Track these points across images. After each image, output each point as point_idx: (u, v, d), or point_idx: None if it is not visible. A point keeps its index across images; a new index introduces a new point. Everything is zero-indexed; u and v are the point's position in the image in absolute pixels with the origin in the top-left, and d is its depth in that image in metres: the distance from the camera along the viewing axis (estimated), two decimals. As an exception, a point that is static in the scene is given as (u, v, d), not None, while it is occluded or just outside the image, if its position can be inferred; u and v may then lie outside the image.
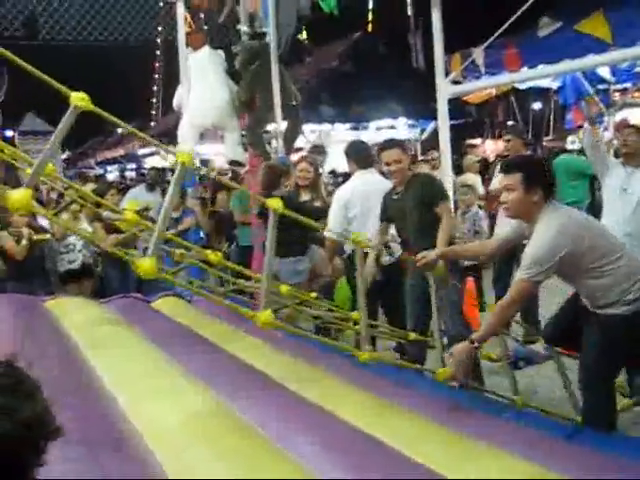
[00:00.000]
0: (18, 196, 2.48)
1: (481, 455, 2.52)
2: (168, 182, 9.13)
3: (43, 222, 6.95)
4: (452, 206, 5.43)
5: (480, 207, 8.07)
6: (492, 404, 3.31)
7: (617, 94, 11.10)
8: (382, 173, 5.31)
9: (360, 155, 5.57)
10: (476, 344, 3.28)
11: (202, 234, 8.04)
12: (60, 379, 2.97)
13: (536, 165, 3.54)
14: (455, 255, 4.15)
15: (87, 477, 2.11)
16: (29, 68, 2.63)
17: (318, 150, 8.05)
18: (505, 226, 5.93)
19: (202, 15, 9.94)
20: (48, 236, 6.70)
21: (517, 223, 3.59)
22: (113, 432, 2.50)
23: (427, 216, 4.56)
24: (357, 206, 5.27)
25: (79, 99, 2.58)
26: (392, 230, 5.23)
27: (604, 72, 9.94)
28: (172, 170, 10.26)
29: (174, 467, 2.18)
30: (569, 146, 10.94)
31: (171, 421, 2.55)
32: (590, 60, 6.20)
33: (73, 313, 4.72)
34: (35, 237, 6.55)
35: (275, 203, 3.29)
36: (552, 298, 5.76)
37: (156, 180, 8.87)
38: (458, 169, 9.05)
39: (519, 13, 6.04)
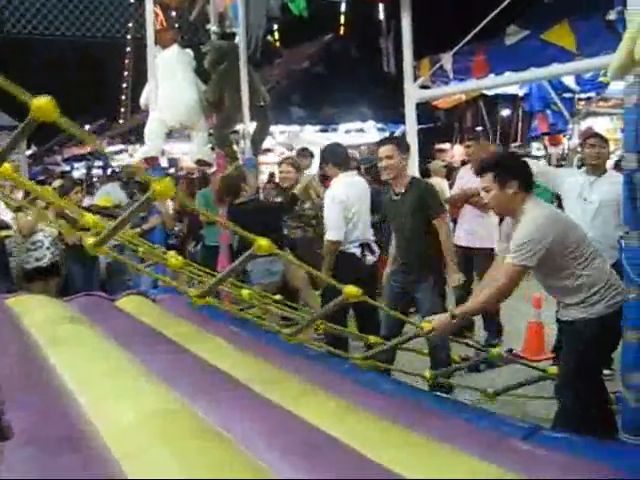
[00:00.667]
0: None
1: (442, 457, 2.54)
2: (138, 181, 9.08)
3: (6, 217, 6.85)
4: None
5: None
6: (453, 405, 3.33)
7: (582, 103, 11.30)
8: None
9: (341, 158, 5.58)
10: (456, 319, 3.36)
11: (172, 232, 8.00)
12: (19, 377, 2.93)
13: (506, 160, 3.64)
14: (476, 311, 3.85)
15: (45, 477, 2.08)
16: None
17: (304, 154, 8.05)
18: (466, 224, 6.14)
19: (173, 13, 9.89)
20: (11, 232, 6.60)
21: (505, 232, 3.70)
22: (72, 431, 2.46)
23: (421, 223, 4.64)
24: (355, 206, 5.32)
25: (40, 108, 2.17)
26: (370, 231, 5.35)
27: (569, 81, 10.10)
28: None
29: (133, 467, 2.16)
30: (534, 152, 11.11)
31: (131, 421, 2.53)
32: (555, 69, 6.30)
33: (34, 311, 4.64)
34: (2, 233, 6.46)
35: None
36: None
37: (130, 178, 8.84)
38: (425, 173, 9.12)
39: (487, 20, 6.11)
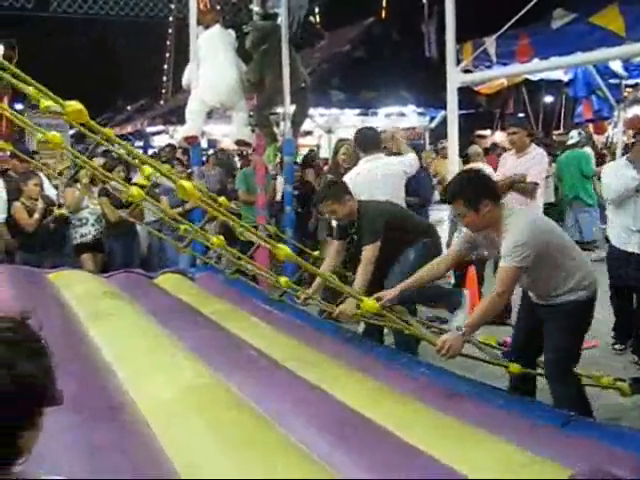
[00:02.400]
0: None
1: (475, 441, 2.54)
2: (178, 159, 9.18)
3: (50, 193, 6.98)
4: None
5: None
6: (487, 392, 3.32)
7: (629, 89, 11.00)
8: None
9: (366, 140, 5.53)
10: (466, 335, 3.35)
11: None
12: (59, 349, 2.99)
13: (472, 183, 3.59)
14: (413, 286, 3.96)
15: (82, 445, 2.14)
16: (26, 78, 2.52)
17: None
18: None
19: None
20: (66, 211, 6.73)
21: (466, 235, 3.73)
22: (111, 402, 2.52)
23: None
24: (364, 193, 5.20)
25: (72, 113, 2.41)
26: None
27: (616, 66, 9.83)
28: (180, 148, 10.29)
29: (168, 437, 2.20)
30: (570, 141, 10.88)
31: (166, 394, 2.57)
32: (602, 53, 6.14)
33: (75, 285, 4.74)
34: (58, 212, 6.60)
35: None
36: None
37: (170, 157, 8.94)
38: (465, 159, 9.02)
39: (532, 3, 6.00)
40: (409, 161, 5.57)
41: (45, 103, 3.01)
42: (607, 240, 5.50)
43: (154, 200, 5.28)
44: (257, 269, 5.11)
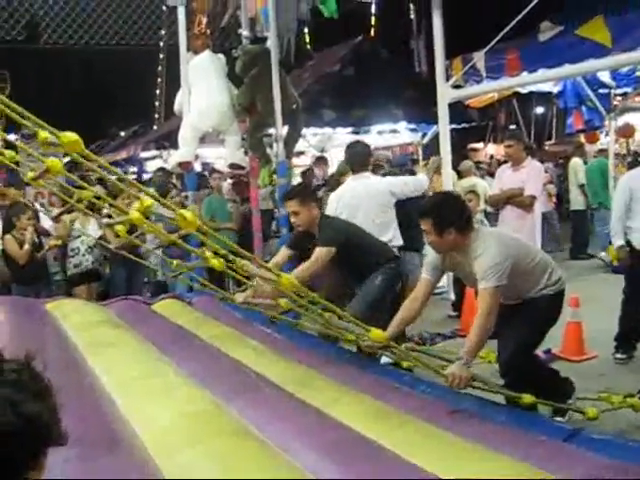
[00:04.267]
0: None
1: (479, 459, 2.52)
2: (173, 184, 9.19)
3: (46, 224, 6.98)
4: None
5: (486, 213, 8.04)
6: (487, 407, 3.30)
7: (618, 98, 11.09)
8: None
9: (353, 160, 5.52)
10: (468, 362, 3.37)
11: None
12: (59, 379, 2.97)
13: (447, 207, 3.64)
14: (400, 330, 3.98)
15: (84, 477, 2.12)
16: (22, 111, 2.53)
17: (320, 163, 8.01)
18: (507, 226, 5.97)
19: (205, 19, 9.97)
20: (60, 242, 6.73)
21: (431, 263, 3.82)
22: (111, 433, 2.50)
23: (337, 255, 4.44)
24: (347, 210, 5.23)
25: (68, 144, 2.43)
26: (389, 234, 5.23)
27: (605, 76, 9.92)
28: (173, 173, 10.29)
29: (170, 467, 2.18)
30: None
31: (167, 422, 2.56)
32: (590, 65, 6.22)
33: (73, 314, 4.73)
34: (51, 243, 6.60)
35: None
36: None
37: (163, 181, 8.93)
38: (458, 174, 9.06)
39: (520, 17, 6.06)
40: (403, 181, 5.55)
41: (43, 135, 3.03)
42: (628, 245, 5.45)
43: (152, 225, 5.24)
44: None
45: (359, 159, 5.48)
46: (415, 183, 5.56)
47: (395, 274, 4.72)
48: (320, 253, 4.33)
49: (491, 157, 15.40)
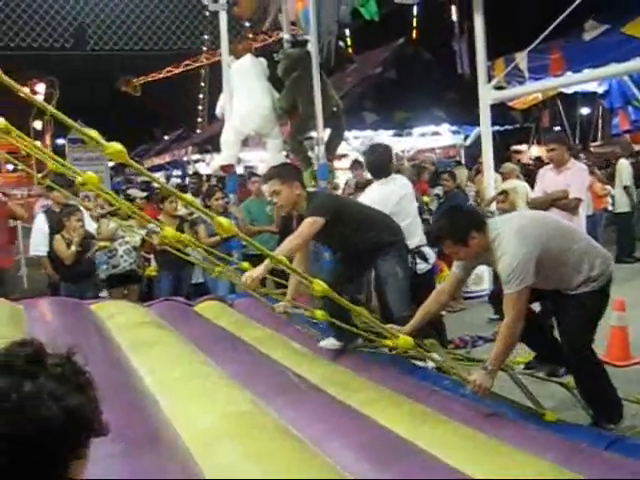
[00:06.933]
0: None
1: (518, 463, 2.50)
2: (217, 186, 9.31)
3: (90, 228, 7.13)
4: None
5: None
6: (526, 412, 3.27)
7: (666, 98, 10.85)
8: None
9: (374, 168, 5.36)
10: (494, 371, 3.32)
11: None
12: (103, 379, 3.05)
13: (455, 221, 3.59)
14: (424, 321, 3.85)
15: (124, 475, 2.17)
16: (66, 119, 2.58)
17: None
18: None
19: (247, 23, 10.08)
20: (108, 243, 6.86)
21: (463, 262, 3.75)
22: (153, 432, 2.55)
23: (331, 232, 4.12)
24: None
25: (113, 154, 2.48)
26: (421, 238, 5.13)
27: (652, 75, 9.74)
28: (216, 176, 10.43)
29: (209, 466, 2.22)
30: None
31: (208, 423, 2.60)
32: (637, 63, 6.09)
33: (117, 316, 4.82)
34: (100, 244, 6.75)
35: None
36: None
37: (198, 185, 9.09)
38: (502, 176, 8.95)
39: (563, 16, 5.98)
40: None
41: (92, 133, 3.11)
42: None
43: (191, 231, 5.33)
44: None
45: (379, 166, 5.34)
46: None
47: (405, 254, 4.50)
48: (305, 223, 3.93)
49: (537, 158, 15.14)
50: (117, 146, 2.48)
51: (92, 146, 2.80)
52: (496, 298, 3.84)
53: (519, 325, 3.36)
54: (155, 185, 5.96)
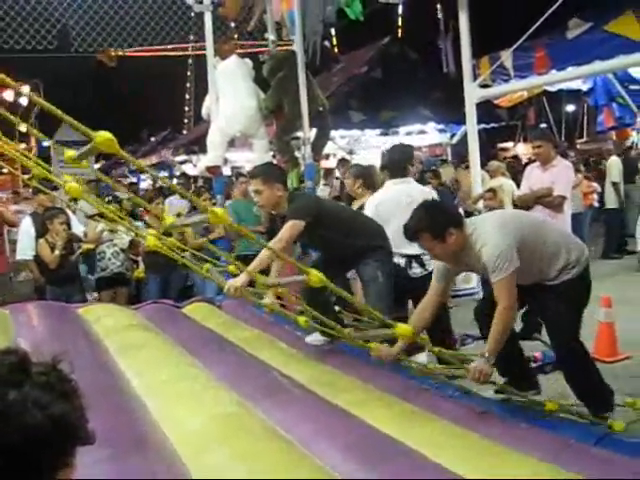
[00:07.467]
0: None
1: (508, 461, 2.51)
2: (203, 187, 9.30)
3: (78, 230, 7.09)
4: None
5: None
6: (514, 409, 3.28)
7: (649, 94, 10.92)
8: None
9: (391, 166, 5.38)
10: (491, 359, 3.31)
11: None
12: (90, 382, 3.03)
13: (434, 214, 3.54)
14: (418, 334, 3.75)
15: (115, 477, 2.16)
16: (57, 111, 2.55)
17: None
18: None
19: (232, 24, 10.06)
20: (93, 246, 6.83)
21: (439, 270, 3.71)
22: (140, 434, 2.54)
23: (314, 234, 4.16)
24: (391, 216, 4.97)
25: (103, 143, 2.45)
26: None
27: (636, 73, 9.78)
28: (203, 177, 10.41)
29: (198, 469, 2.21)
30: None
31: (196, 424, 2.59)
32: (621, 61, 6.12)
33: (104, 319, 4.80)
34: (85, 247, 6.71)
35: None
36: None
37: (186, 187, 9.06)
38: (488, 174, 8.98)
39: (547, 15, 6.00)
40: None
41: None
42: None
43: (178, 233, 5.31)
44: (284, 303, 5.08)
45: (397, 164, 5.31)
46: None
47: (389, 261, 4.47)
48: (286, 226, 3.94)
49: (514, 157, 15.24)
50: (107, 134, 2.45)
51: (80, 139, 2.79)
52: (480, 315, 3.82)
53: (512, 314, 3.38)
54: (142, 187, 5.94)
